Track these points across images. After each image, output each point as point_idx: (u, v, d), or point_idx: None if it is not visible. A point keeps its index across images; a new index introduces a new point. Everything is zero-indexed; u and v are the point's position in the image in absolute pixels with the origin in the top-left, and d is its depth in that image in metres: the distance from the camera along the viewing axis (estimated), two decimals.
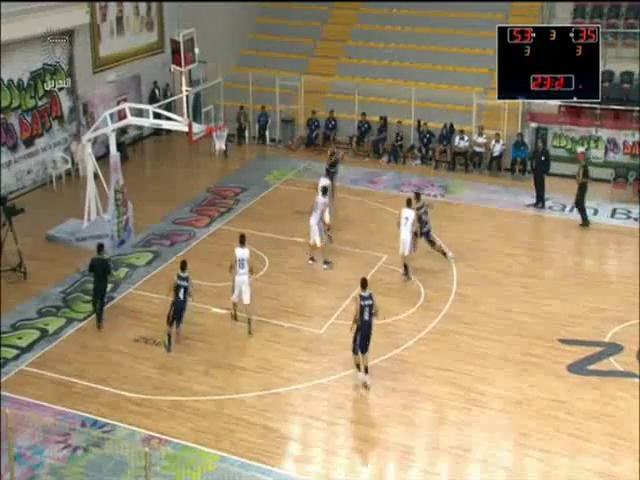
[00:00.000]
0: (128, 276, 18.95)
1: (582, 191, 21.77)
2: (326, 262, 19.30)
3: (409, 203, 18.73)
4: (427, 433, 13.78)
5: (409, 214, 18.52)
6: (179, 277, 15.94)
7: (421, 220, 18.91)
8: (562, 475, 12.79)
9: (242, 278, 16.41)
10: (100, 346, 16.18)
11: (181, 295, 15.83)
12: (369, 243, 20.59)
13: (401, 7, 30.54)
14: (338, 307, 17.50)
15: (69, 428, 13.40)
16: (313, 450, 13.42)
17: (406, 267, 18.83)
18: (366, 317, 14.50)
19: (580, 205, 21.81)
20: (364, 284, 14.64)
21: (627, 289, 18.44)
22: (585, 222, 21.78)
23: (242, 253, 16.40)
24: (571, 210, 22.77)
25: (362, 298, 14.53)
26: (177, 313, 15.94)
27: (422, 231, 19.01)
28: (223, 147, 21.43)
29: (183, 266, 16.05)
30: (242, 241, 16.51)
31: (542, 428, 13.76)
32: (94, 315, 17.03)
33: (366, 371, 14.82)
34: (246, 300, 16.51)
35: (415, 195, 19.47)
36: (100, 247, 17.07)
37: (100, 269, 16.83)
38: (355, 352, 14.74)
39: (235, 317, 16.97)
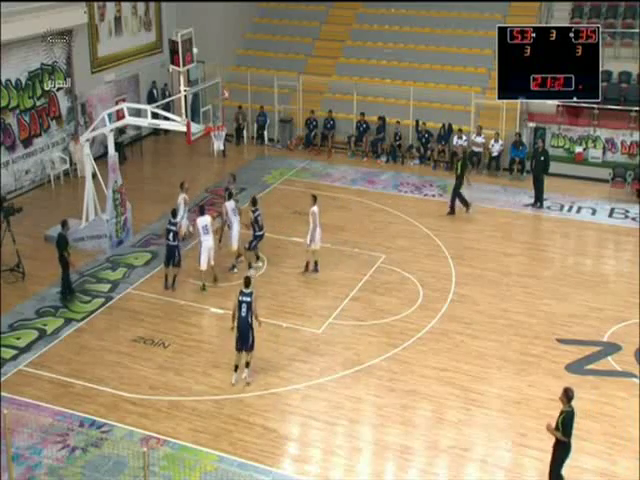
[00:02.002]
0: (126, 276, 18.94)
1: (460, 182, 22.35)
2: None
3: (315, 199, 18.79)
4: (426, 433, 13.76)
5: (317, 210, 18.76)
6: (169, 222, 18.20)
7: (258, 223, 18.81)
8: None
9: (209, 243, 18.12)
10: (98, 346, 16.18)
11: (171, 237, 18.00)
12: (368, 243, 20.60)
13: (399, 7, 30.57)
14: (336, 307, 17.52)
15: (67, 428, 13.41)
16: (311, 450, 13.42)
17: (316, 261, 19.05)
18: (243, 313, 14.59)
19: (459, 196, 22.43)
20: (247, 283, 14.80)
21: (625, 289, 18.48)
22: (467, 206, 22.56)
23: (203, 220, 18.18)
24: (569, 210, 22.89)
25: (241, 294, 14.68)
26: (170, 254, 18.09)
27: (256, 234, 18.84)
28: (221, 147, 21.43)
29: (174, 213, 18.37)
30: (202, 211, 18.56)
31: (541, 428, 13.67)
32: (91, 315, 17.17)
33: (247, 365, 14.92)
34: (211, 262, 18.20)
35: (252, 200, 19.19)
36: (64, 223, 17.98)
37: (60, 244, 17.56)
38: (237, 350, 14.84)
39: (204, 287, 18.16)
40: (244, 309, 14.59)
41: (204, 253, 18.14)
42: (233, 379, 14.90)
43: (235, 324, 14.80)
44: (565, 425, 11.68)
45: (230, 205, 19.23)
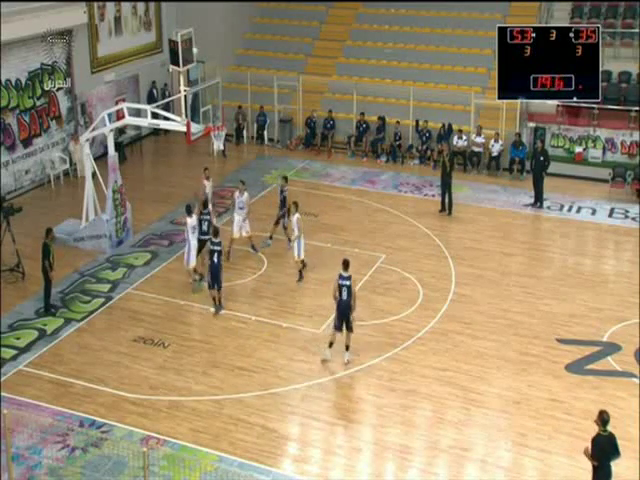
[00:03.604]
0: (126, 276, 18.94)
1: (450, 179, 22.37)
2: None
3: (297, 207, 18.42)
4: (426, 433, 13.76)
5: (299, 217, 18.41)
6: (212, 242, 17.16)
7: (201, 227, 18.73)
8: (560, 475, 12.81)
9: (194, 242, 18.09)
10: (98, 346, 16.17)
11: (215, 259, 17.00)
12: (368, 243, 20.60)
13: (399, 7, 30.58)
14: None
15: (67, 428, 13.40)
16: (311, 450, 13.41)
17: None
18: (344, 297, 15.16)
19: (449, 195, 22.49)
20: (346, 265, 15.27)
21: (625, 289, 18.48)
22: (450, 210, 22.48)
23: (193, 221, 18.10)
24: (569, 210, 22.91)
25: (341, 277, 15.19)
26: (214, 276, 17.08)
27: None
28: (221, 147, 21.44)
29: (215, 232, 17.23)
30: (189, 211, 18.20)
31: (540, 428, 13.77)
32: (91, 315, 17.21)
33: (347, 349, 15.48)
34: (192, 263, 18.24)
35: (203, 203, 18.84)
36: (48, 231, 17.42)
37: (43, 252, 17.16)
38: (334, 329, 15.47)
39: (201, 278, 18.13)
40: (345, 293, 15.15)
41: (190, 252, 18.06)
42: (328, 353, 15.49)
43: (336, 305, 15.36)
44: (596, 448, 11.18)
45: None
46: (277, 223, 20.22)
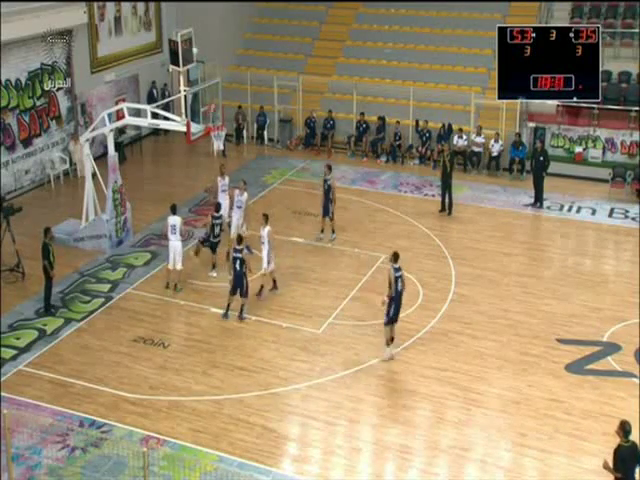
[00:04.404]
0: (126, 276, 18.94)
1: (451, 179, 22.43)
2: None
3: (267, 219, 17.86)
4: (425, 433, 13.76)
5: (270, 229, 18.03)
6: (234, 250, 16.84)
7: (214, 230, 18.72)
8: (560, 475, 12.80)
9: (175, 244, 18.06)
10: (98, 346, 16.17)
11: (237, 266, 16.67)
12: (368, 243, 20.60)
13: (399, 7, 30.59)
14: (336, 307, 17.52)
15: (67, 428, 13.40)
16: (311, 450, 13.41)
17: (274, 279, 18.23)
18: (399, 288, 15.27)
19: (450, 195, 22.48)
20: (396, 257, 15.29)
21: (625, 289, 18.48)
22: (450, 210, 22.52)
23: (173, 220, 18.08)
24: (569, 210, 22.91)
25: (395, 270, 15.26)
26: (237, 283, 16.79)
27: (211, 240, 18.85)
28: (221, 147, 21.45)
29: (239, 240, 16.95)
30: (173, 210, 18.31)
31: (540, 428, 13.77)
32: (91, 315, 17.23)
33: (392, 340, 15.62)
34: (178, 266, 18.11)
35: (216, 207, 18.91)
36: (46, 231, 17.35)
37: (42, 252, 17.11)
38: (388, 323, 15.46)
39: (167, 285, 18.16)
40: (400, 284, 15.24)
41: (170, 253, 18.12)
42: (389, 351, 15.54)
43: (386, 303, 15.32)
44: (617, 459, 10.75)
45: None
46: (331, 217, 20.47)
